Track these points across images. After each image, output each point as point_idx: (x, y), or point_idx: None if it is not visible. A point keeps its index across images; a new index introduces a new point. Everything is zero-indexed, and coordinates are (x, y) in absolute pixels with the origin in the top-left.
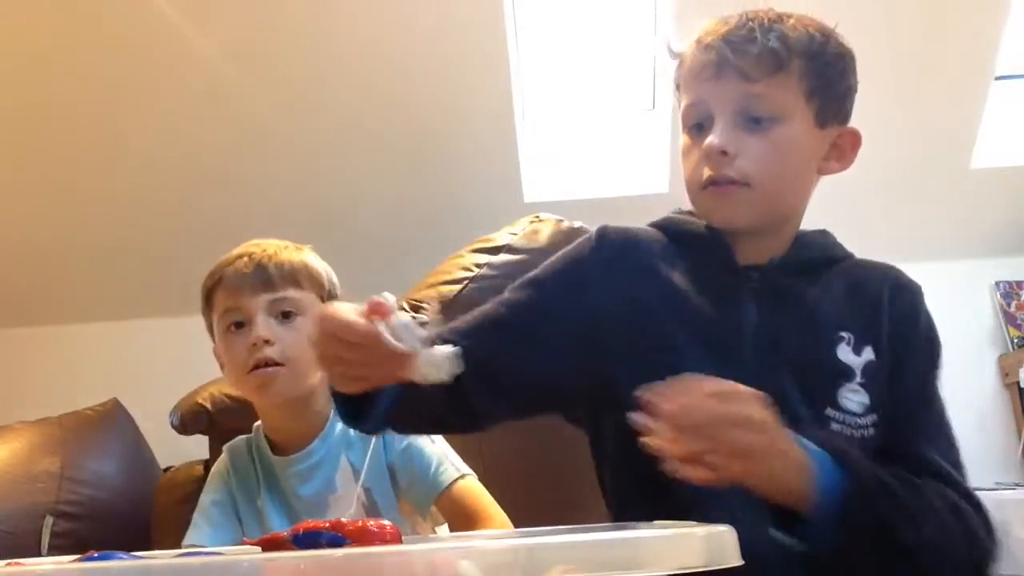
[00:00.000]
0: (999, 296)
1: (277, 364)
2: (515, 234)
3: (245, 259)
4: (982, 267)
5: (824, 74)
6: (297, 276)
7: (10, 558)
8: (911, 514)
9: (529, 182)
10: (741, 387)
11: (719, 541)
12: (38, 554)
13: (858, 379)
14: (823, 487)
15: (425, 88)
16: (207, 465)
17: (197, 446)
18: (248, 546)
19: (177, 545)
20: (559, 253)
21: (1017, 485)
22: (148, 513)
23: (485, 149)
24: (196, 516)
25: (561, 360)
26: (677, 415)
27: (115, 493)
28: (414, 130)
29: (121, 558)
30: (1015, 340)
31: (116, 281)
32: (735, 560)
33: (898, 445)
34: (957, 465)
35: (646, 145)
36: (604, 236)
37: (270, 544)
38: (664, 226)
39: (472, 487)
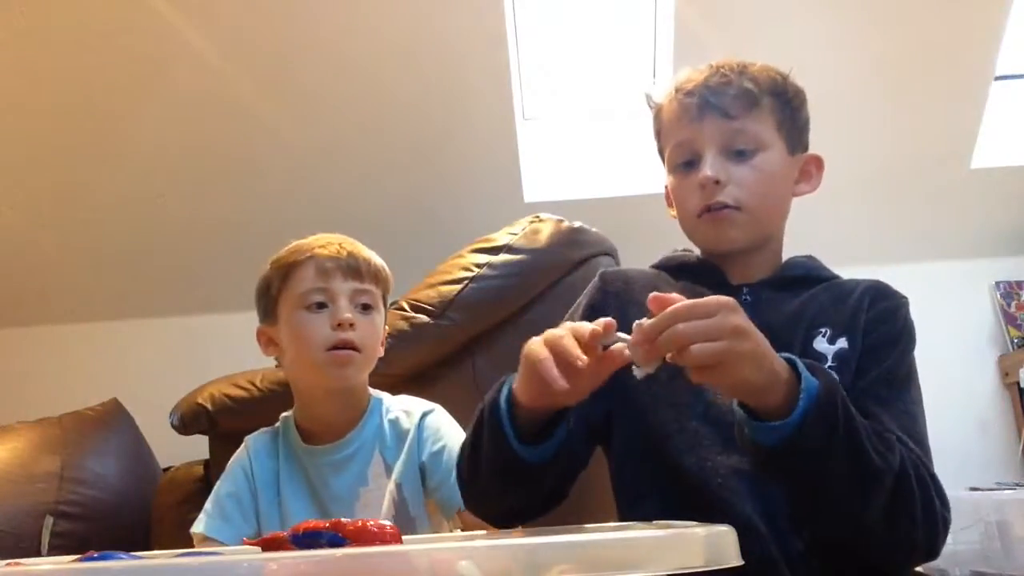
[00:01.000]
0: (999, 296)
1: (355, 349)
2: (515, 234)
3: (337, 246)
4: (982, 267)
5: (789, 108)
6: (378, 274)
7: (10, 558)
8: (875, 443)
9: (529, 182)
10: (710, 299)
11: (719, 541)
12: (38, 554)
13: (828, 364)
14: (804, 387)
15: (425, 88)
16: (207, 465)
17: (197, 446)
18: (247, 546)
19: (177, 544)
20: (576, 310)
21: (1017, 485)
22: (148, 513)
23: (485, 149)
24: (208, 505)
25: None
26: (647, 341)
27: (115, 493)
28: (414, 130)
29: (121, 558)
30: (1015, 340)
31: (116, 281)
32: (735, 560)
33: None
34: (919, 442)
35: (646, 145)
36: (605, 276)
37: (270, 544)
38: (661, 264)
39: None
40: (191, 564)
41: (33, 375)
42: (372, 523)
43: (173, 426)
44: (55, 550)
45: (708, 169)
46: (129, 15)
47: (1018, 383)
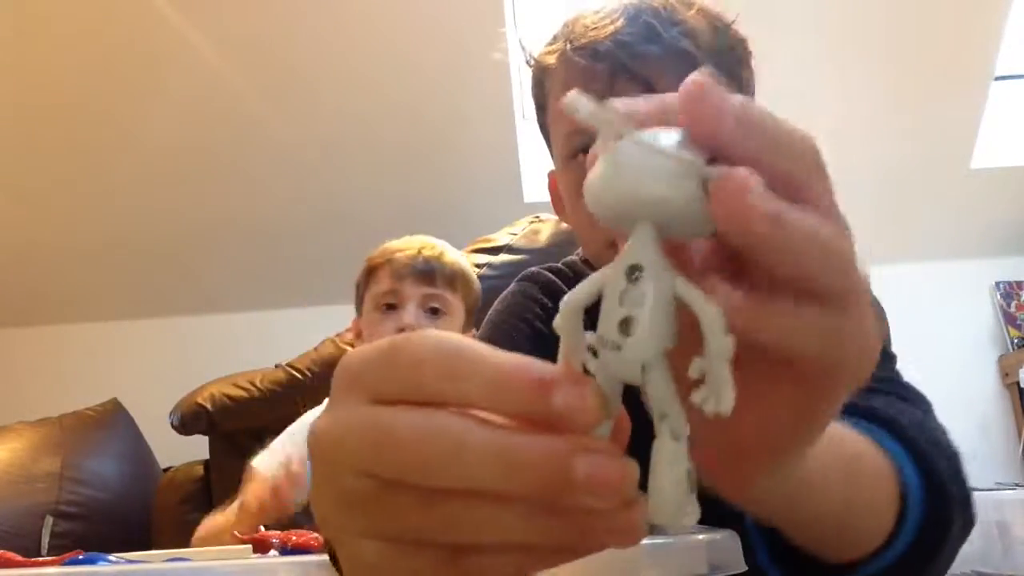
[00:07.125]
0: (999, 296)
1: None
2: (515, 234)
3: (416, 250)
4: (982, 267)
5: (735, 74)
6: (455, 280)
7: None
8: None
9: (529, 182)
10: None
11: (722, 547)
12: (38, 554)
13: None
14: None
15: (426, 88)
16: (207, 465)
17: (197, 446)
18: (237, 546)
19: (177, 544)
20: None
21: (1017, 485)
22: (148, 513)
23: (485, 149)
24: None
25: None
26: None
27: (115, 493)
28: (415, 130)
29: (105, 561)
30: (1015, 340)
31: (116, 281)
32: (738, 566)
33: None
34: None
35: None
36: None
37: (259, 544)
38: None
39: None
40: (179, 569)
41: (33, 375)
42: None
43: (173, 426)
44: (55, 550)
45: None
46: (129, 14)
47: (1018, 383)
